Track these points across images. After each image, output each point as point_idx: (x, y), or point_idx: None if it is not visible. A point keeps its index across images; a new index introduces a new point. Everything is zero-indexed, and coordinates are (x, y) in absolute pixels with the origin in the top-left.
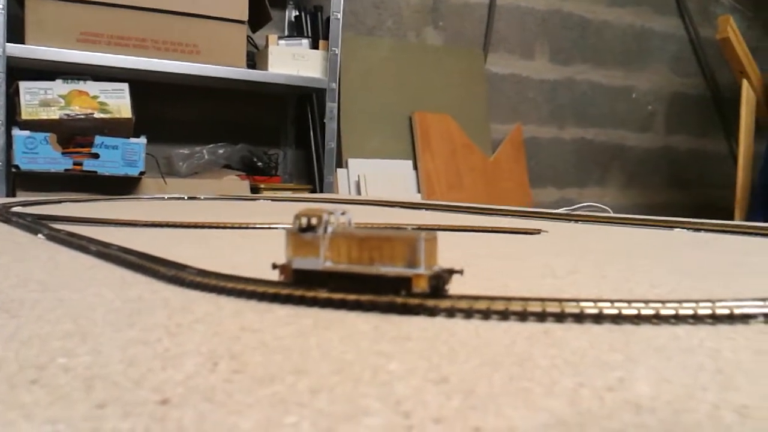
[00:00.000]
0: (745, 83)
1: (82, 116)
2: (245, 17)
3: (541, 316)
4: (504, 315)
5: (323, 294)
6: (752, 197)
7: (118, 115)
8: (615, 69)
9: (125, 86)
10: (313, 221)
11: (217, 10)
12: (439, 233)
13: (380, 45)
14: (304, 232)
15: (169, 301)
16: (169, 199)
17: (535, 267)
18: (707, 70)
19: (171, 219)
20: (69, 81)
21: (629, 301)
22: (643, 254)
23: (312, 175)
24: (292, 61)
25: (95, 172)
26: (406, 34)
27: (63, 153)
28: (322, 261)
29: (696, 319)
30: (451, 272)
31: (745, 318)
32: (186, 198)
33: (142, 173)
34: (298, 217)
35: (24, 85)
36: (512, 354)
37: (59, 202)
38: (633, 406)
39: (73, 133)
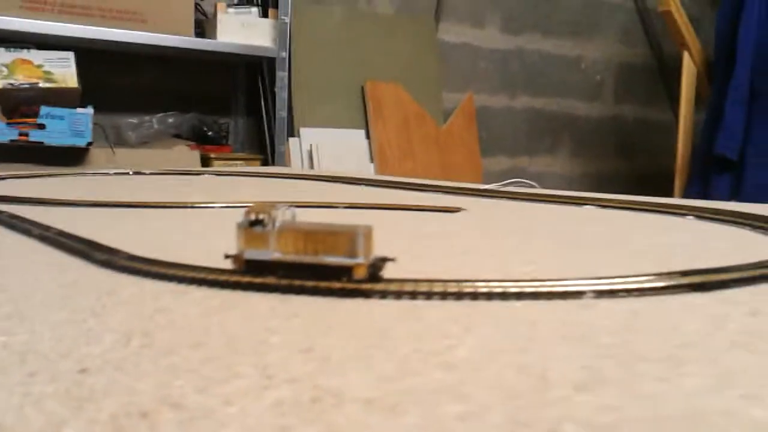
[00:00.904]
0: (685, 55)
1: (27, 86)
2: None
3: (417, 295)
4: (398, 294)
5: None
6: (691, 167)
7: (63, 85)
8: (565, 39)
9: (71, 55)
10: (262, 216)
11: None
12: (368, 212)
13: (331, 13)
14: (254, 226)
15: (99, 285)
16: (115, 174)
17: (441, 247)
18: (654, 41)
19: (114, 196)
20: (12, 50)
21: (487, 281)
22: (541, 232)
23: (264, 145)
24: (241, 29)
25: (42, 142)
26: (357, 1)
27: (8, 123)
28: (272, 252)
29: (535, 295)
30: (384, 260)
31: (578, 294)
32: (131, 173)
33: (89, 144)
34: (248, 213)
35: None
36: (376, 327)
37: (3, 178)
38: (446, 365)
39: (18, 103)
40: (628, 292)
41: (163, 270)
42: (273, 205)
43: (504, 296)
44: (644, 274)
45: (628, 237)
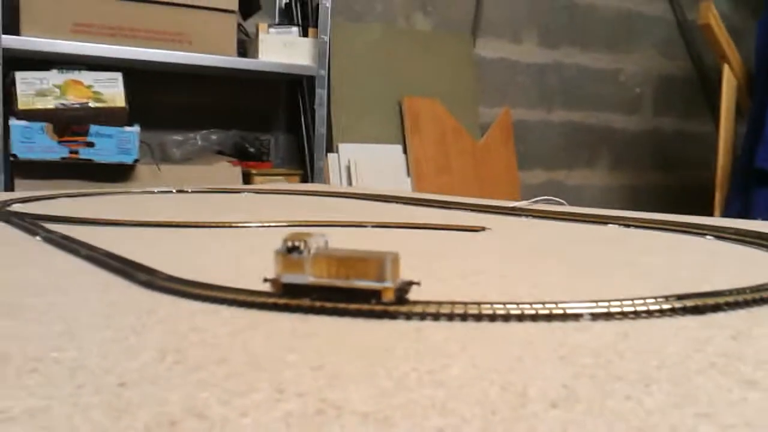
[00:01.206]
0: (726, 68)
1: (77, 105)
2: (235, 7)
3: (429, 316)
4: (422, 316)
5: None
6: (731, 180)
7: (112, 104)
8: (603, 52)
9: (119, 75)
10: (298, 244)
11: (207, 0)
12: (394, 231)
13: (370, 30)
14: (290, 252)
15: (140, 304)
16: (159, 192)
17: (459, 267)
18: (694, 53)
19: (157, 215)
20: (64, 71)
21: (491, 303)
22: (557, 253)
23: (303, 160)
24: (282, 48)
25: (91, 160)
26: (396, 19)
27: (59, 142)
28: (307, 276)
29: (535, 317)
30: (410, 283)
31: (576, 317)
32: (174, 191)
33: (136, 161)
34: (285, 240)
35: (20, 76)
36: (383, 347)
37: (54, 197)
38: (437, 383)
39: (69, 122)
40: (624, 315)
41: (197, 291)
42: (309, 233)
43: (506, 318)
44: (642, 297)
45: (640, 258)
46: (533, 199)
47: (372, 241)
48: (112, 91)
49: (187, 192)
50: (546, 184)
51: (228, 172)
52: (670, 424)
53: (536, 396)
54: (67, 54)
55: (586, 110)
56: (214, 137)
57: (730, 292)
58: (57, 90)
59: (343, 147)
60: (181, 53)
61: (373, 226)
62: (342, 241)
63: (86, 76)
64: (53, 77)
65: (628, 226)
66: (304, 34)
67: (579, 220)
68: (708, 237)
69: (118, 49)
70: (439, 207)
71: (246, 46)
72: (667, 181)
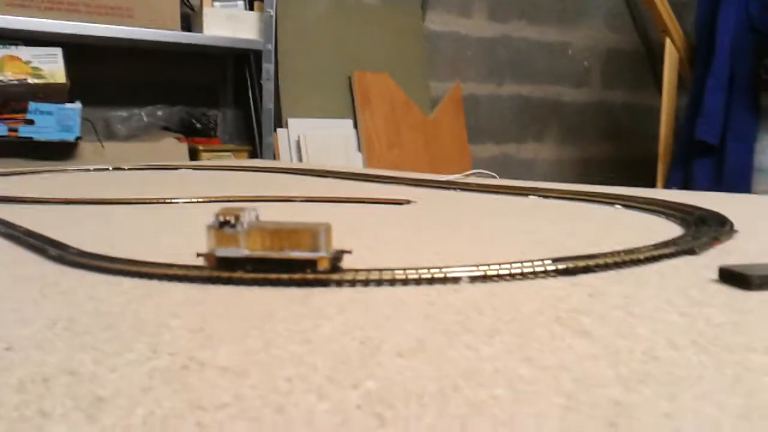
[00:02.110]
0: (668, 42)
1: (15, 82)
2: None
3: (329, 283)
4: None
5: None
6: (673, 152)
7: (52, 80)
8: (551, 26)
9: (58, 51)
10: (229, 218)
11: None
12: (322, 205)
13: (317, 4)
14: (223, 226)
15: (46, 278)
16: (95, 170)
17: (372, 238)
18: (641, 27)
19: (88, 193)
20: (0, 46)
21: (380, 269)
22: (469, 223)
23: (252, 136)
24: (227, 22)
25: (31, 138)
26: None
27: None
28: (242, 249)
29: (418, 281)
30: (343, 252)
31: (455, 280)
32: (111, 168)
33: (78, 138)
34: (218, 215)
35: None
36: (266, 311)
37: None
38: (304, 341)
39: (7, 99)
40: (500, 278)
41: (104, 264)
42: (240, 207)
43: (391, 282)
44: (519, 261)
45: (544, 226)
46: (466, 173)
47: (298, 215)
48: (51, 66)
49: (123, 169)
50: (497, 158)
51: (174, 148)
52: (494, 366)
53: (388, 348)
54: (3, 28)
55: (536, 84)
56: (159, 113)
57: (603, 255)
58: None
59: (292, 122)
60: (123, 27)
61: (301, 201)
62: (270, 215)
63: (24, 52)
64: None
65: (547, 197)
66: (250, 7)
67: (503, 192)
68: (617, 206)
69: (57, 23)
70: (373, 181)
71: (190, 19)
72: (615, 153)
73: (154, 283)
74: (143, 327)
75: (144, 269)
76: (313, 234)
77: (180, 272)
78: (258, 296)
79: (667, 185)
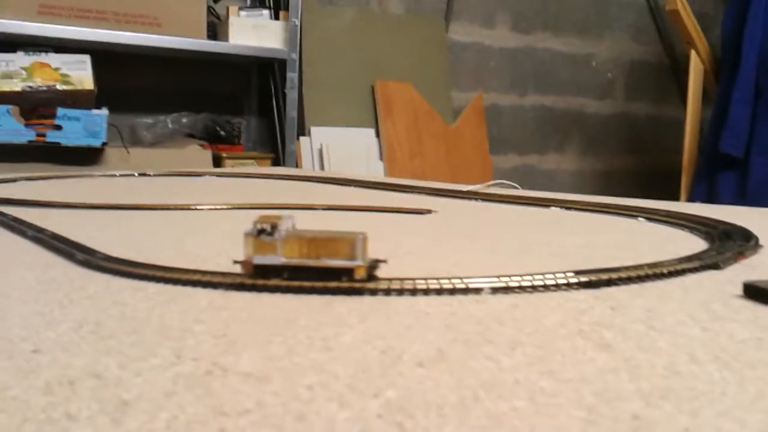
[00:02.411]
0: (693, 54)
1: (44, 88)
2: None
3: (354, 292)
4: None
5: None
6: (698, 165)
7: (80, 87)
8: (575, 37)
9: (87, 58)
10: (267, 227)
11: None
12: (343, 213)
13: (341, 14)
14: (261, 234)
15: (72, 282)
16: (120, 176)
17: (392, 248)
18: (666, 39)
19: (113, 198)
20: (30, 53)
21: (401, 279)
22: (490, 234)
23: (275, 144)
24: (252, 31)
25: (58, 143)
26: (368, 2)
27: (26, 125)
28: (279, 257)
29: (439, 291)
30: (378, 262)
31: (477, 291)
32: (137, 174)
33: (104, 144)
34: (256, 223)
35: None
36: (286, 318)
37: (13, 180)
38: (325, 348)
39: (36, 105)
40: (522, 289)
41: (129, 269)
42: (278, 216)
43: (412, 292)
44: (541, 273)
45: (565, 238)
46: (487, 183)
47: (321, 224)
48: (80, 73)
49: (148, 175)
50: (518, 169)
51: (198, 155)
52: (515, 378)
53: (409, 358)
54: (33, 36)
55: (559, 95)
56: (184, 120)
57: (626, 268)
58: (24, 72)
59: (315, 131)
60: (151, 36)
61: (322, 209)
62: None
63: (53, 59)
64: (20, 59)
65: (569, 208)
66: (275, 17)
67: (524, 203)
68: (640, 219)
69: (86, 31)
70: (395, 190)
71: (216, 28)
72: (637, 165)
73: (179, 288)
74: (167, 332)
75: (169, 275)
76: (350, 243)
77: (204, 278)
78: (281, 303)
79: (691, 198)
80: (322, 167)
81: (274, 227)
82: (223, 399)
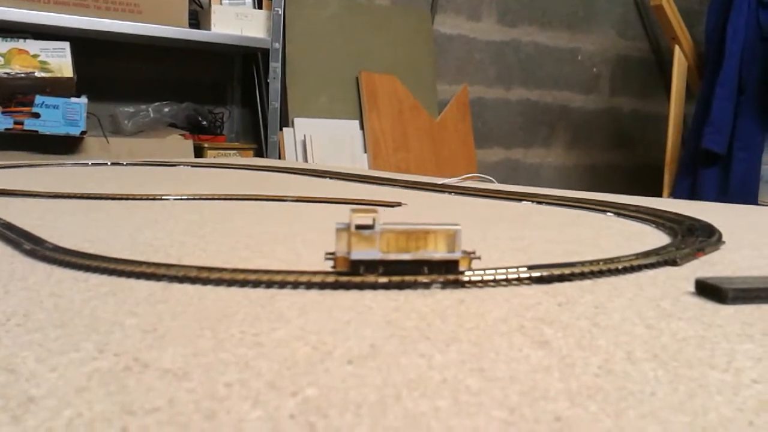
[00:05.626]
0: (677, 49)
1: (23, 75)
2: None
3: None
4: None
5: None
6: (680, 160)
7: (59, 74)
8: (561, 31)
9: (66, 45)
10: (366, 221)
11: None
12: (313, 205)
13: (326, 4)
14: (360, 229)
15: (14, 272)
16: (93, 164)
17: None
18: (651, 34)
19: (80, 188)
20: (9, 39)
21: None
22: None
23: (258, 135)
24: (235, 20)
25: (36, 131)
26: None
27: (3, 112)
28: (376, 252)
29: (387, 286)
30: (471, 254)
31: (427, 285)
32: (109, 163)
33: (83, 133)
34: (353, 217)
35: None
36: (225, 313)
37: None
38: (255, 344)
39: (14, 92)
40: (472, 284)
41: (74, 260)
42: (374, 210)
43: (359, 287)
44: (493, 268)
45: (529, 233)
46: (461, 176)
47: (290, 215)
48: (59, 60)
49: (121, 164)
50: (503, 163)
51: (179, 145)
52: (443, 376)
53: (339, 354)
54: (12, 21)
55: (544, 89)
56: (166, 110)
57: (581, 264)
58: (1, 59)
59: (298, 122)
60: (131, 23)
61: (291, 201)
62: (263, 213)
63: (32, 45)
64: None
65: (540, 203)
66: (259, 5)
67: (497, 197)
68: (608, 213)
69: (66, 17)
70: (370, 183)
71: (199, 17)
72: (623, 160)
73: (122, 280)
74: (96, 325)
75: (113, 266)
76: (449, 235)
77: (149, 270)
78: (220, 296)
79: (674, 194)
80: (305, 159)
81: (374, 221)
82: (135, 396)
